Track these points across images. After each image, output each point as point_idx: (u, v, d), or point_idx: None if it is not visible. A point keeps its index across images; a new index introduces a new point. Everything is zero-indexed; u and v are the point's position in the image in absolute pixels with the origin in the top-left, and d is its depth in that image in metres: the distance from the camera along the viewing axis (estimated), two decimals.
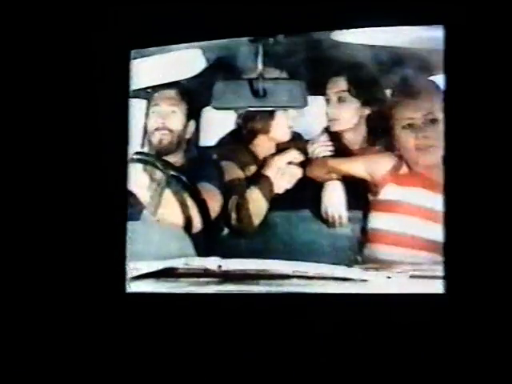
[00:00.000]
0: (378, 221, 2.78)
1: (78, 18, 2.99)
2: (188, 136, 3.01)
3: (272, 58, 2.83)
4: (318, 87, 2.90)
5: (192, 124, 3.02)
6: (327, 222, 2.84)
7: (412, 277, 2.64)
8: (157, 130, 2.99)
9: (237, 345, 2.71)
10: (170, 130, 2.99)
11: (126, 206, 2.92)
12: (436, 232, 2.61)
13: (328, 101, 2.92)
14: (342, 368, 2.61)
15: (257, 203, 2.90)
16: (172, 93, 3.00)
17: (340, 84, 2.89)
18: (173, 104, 3.00)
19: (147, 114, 3.02)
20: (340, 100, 2.89)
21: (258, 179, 2.93)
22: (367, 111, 2.88)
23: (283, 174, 2.92)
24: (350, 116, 2.88)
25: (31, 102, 3.01)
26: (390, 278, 2.63)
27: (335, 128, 2.92)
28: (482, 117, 2.55)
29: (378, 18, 2.68)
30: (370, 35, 2.77)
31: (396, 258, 2.71)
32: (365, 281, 2.65)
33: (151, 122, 3.01)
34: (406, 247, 2.71)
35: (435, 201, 2.65)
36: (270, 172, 2.93)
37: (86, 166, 2.96)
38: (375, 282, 2.66)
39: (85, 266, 2.90)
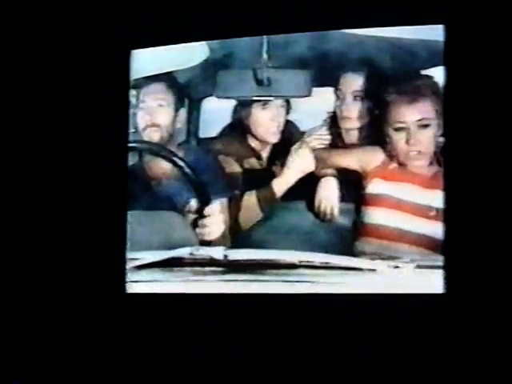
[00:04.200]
0: (367, 214, 2.79)
1: (77, 17, 2.99)
2: (179, 126, 2.97)
3: (277, 47, 2.81)
4: (323, 79, 2.86)
5: (182, 114, 2.97)
6: (318, 215, 2.83)
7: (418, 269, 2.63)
8: (146, 126, 2.96)
9: (239, 345, 2.71)
10: (159, 126, 2.95)
11: (126, 196, 2.90)
12: (424, 226, 2.64)
13: (340, 97, 2.85)
14: (344, 363, 2.62)
15: (251, 210, 2.88)
16: (158, 86, 2.95)
17: (357, 82, 2.83)
18: (159, 98, 2.95)
19: (136, 109, 2.98)
20: (356, 99, 2.83)
21: (261, 186, 2.90)
22: (377, 111, 2.81)
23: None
24: (362, 115, 2.85)
25: (31, 100, 3.01)
26: (397, 267, 2.64)
27: (346, 125, 2.86)
28: (481, 115, 2.58)
29: (379, 18, 2.70)
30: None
31: (386, 252, 2.71)
32: (373, 270, 2.65)
33: (140, 119, 2.97)
34: (392, 241, 2.71)
35: (423, 196, 2.68)
36: (276, 185, 2.89)
37: (86, 157, 2.95)
38: (382, 272, 2.65)
39: (86, 259, 2.90)
